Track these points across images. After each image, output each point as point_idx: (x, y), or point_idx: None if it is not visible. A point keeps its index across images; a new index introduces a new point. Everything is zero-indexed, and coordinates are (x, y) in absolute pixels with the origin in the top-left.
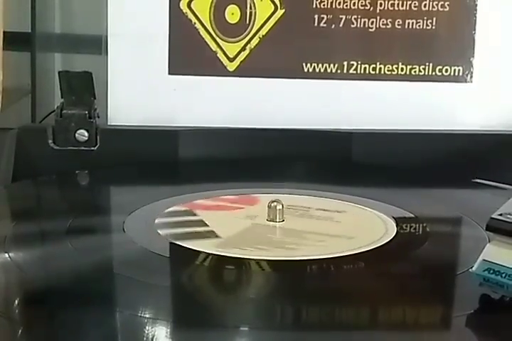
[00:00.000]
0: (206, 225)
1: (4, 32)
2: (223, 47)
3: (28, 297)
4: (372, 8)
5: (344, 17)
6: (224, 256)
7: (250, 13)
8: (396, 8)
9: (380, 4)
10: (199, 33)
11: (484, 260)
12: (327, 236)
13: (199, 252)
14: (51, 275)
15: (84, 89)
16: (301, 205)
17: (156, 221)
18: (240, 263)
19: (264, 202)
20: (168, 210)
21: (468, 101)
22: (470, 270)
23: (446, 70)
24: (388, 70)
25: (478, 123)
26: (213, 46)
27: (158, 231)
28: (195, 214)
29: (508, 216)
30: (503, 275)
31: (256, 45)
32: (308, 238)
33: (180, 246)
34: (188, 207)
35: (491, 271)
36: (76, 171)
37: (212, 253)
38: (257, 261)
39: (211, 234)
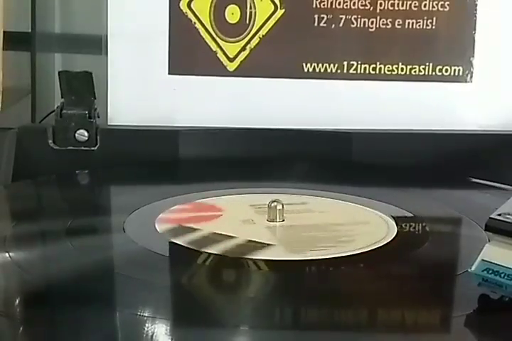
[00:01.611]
0: (233, 237)
1: (4, 32)
2: (223, 47)
3: (29, 296)
4: (372, 8)
5: (344, 17)
6: (223, 255)
7: (250, 13)
8: (396, 8)
9: (380, 4)
10: (199, 32)
11: (483, 260)
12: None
13: (199, 252)
14: (51, 275)
15: (84, 89)
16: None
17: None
18: (240, 263)
19: (232, 206)
20: (161, 229)
21: (468, 101)
22: (469, 270)
23: (446, 70)
24: (388, 70)
25: (478, 123)
26: (213, 46)
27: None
28: (195, 229)
29: (507, 216)
30: (502, 275)
31: (256, 45)
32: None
33: (180, 245)
34: (175, 223)
35: (490, 271)
36: (76, 171)
37: (212, 253)
38: (257, 261)
39: (260, 244)
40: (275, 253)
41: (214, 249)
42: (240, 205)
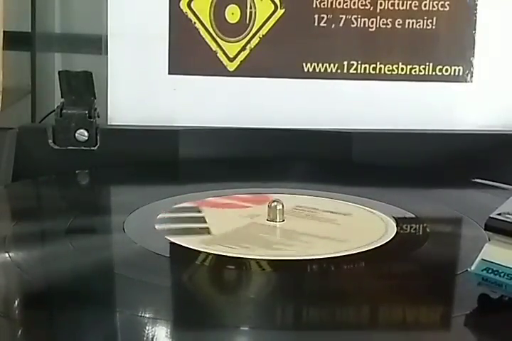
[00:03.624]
0: (204, 222)
1: (4, 32)
2: (223, 47)
3: (28, 297)
4: (372, 8)
5: (344, 17)
6: (224, 255)
7: (250, 12)
8: (396, 8)
9: (381, 4)
10: (199, 32)
11: (483, 259)
12: (325, 236)
13: (199, 252)
14: (51, 275)
15: (84, 89)
16: (300, 205)
17: (158, 217)
18: (240, 263)
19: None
20: (176, 206)
21: (468, 101)
22: (468, 269)
23: (446, 70)
24: (388, 70)
25: (478, 123)
26: (213, 46)
27: (158, 230)
28: (199, 211)
29: (507, 215)
30: (502, 274)
31: (256, 44)
32: (302, 238)
33: (180, 245)
34: (197, 204)
35: (490, 271)
36: (76, 171)
37: (212, 253)
38: (257, 261)
39: (204, 231)
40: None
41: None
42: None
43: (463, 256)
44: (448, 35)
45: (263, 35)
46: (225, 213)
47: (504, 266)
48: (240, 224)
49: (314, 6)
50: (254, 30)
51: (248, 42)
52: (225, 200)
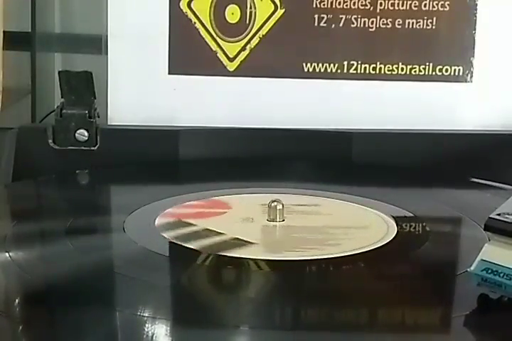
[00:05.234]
0: (221, 233)
1: (4, 32)
2: (223, 47)
3: (29, 296)
4: (372, 8)
5: (344, 17)
6: (223, 255)
7: (250, 12)
8: (396, 8)
9: (381, 4)
10: (199, 32)
11: (482, 260)
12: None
13: (199, 252)
14: (51, 275)
15: (84, 89)
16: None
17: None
18: (240, 263)
19: (239, 204)
20: (158, 223)
21: (468, 101)
22: (468, 270)
23: (446, 70)
24: (388, 70)
25: (478, 123)
26: (213, 46)
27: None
28: (191, 224)
29: (507, 216)
30: (501, 274)
31: (256, 44)
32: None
33: (180, 245)
34: (175, 218)
35: (489, 271)
36: (76, 171)
37: (212, 253)
38: (256, 261)
39: (242, 242)
40: (251, 252)
41: (196, 244)
42: (249, 204)
43: (463, 256)
44: (448, 35)
45: (263, 35)
46: (217, 221)
47: (504, 267)
48: (257, 229)
49: (314, 6)
50: (254, 30)
51: (248, 42)
52: (190, 210)
